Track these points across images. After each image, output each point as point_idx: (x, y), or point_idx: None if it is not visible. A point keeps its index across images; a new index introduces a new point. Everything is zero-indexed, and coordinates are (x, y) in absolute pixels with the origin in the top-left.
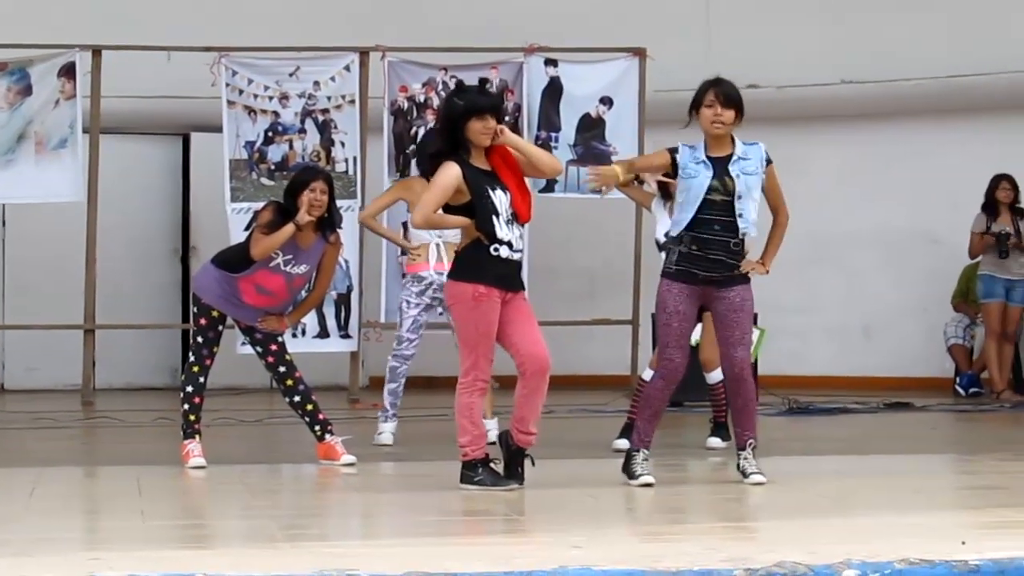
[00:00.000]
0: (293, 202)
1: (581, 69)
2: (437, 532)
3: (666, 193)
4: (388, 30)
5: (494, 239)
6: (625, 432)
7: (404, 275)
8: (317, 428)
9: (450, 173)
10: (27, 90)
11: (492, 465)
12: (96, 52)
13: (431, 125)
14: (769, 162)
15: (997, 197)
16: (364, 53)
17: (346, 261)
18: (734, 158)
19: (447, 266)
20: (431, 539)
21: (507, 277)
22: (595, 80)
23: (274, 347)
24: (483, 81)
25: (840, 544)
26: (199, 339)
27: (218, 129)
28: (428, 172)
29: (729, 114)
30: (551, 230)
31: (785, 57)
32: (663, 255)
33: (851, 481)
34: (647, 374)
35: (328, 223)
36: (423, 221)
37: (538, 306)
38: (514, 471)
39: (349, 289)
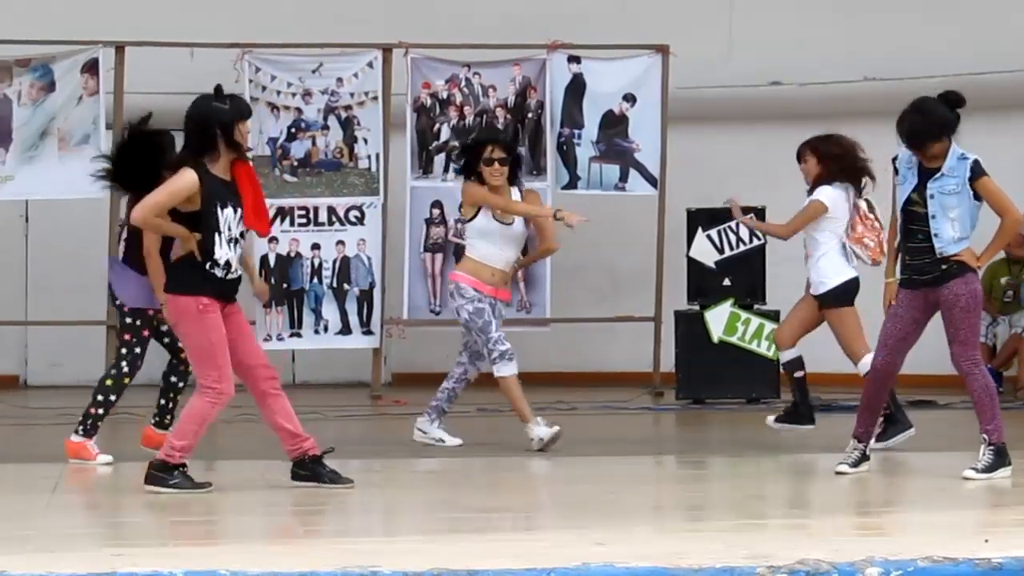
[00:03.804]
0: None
1: (604, 66)
2: (459, 529)
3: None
4: (411, 27)
5: (210, 258)
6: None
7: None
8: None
9: (185, 179)
10: (50, 86)
11: (185, 470)
12: (119, 48)
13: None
14: (977, 177)
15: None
16: (387, 50)
17: (368, 258)
18: (938, 174)
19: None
20: (453, 536)
21: (226, 292)
22: (618, 77)
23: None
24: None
25: (863, 542)
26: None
27: None
28: (464, 171)
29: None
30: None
31: (807, 54)
32: None
33: (873, 479)
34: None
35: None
36: (142, 220)
37: (560, 303)
38: (330, 476)
39: (372, 286)
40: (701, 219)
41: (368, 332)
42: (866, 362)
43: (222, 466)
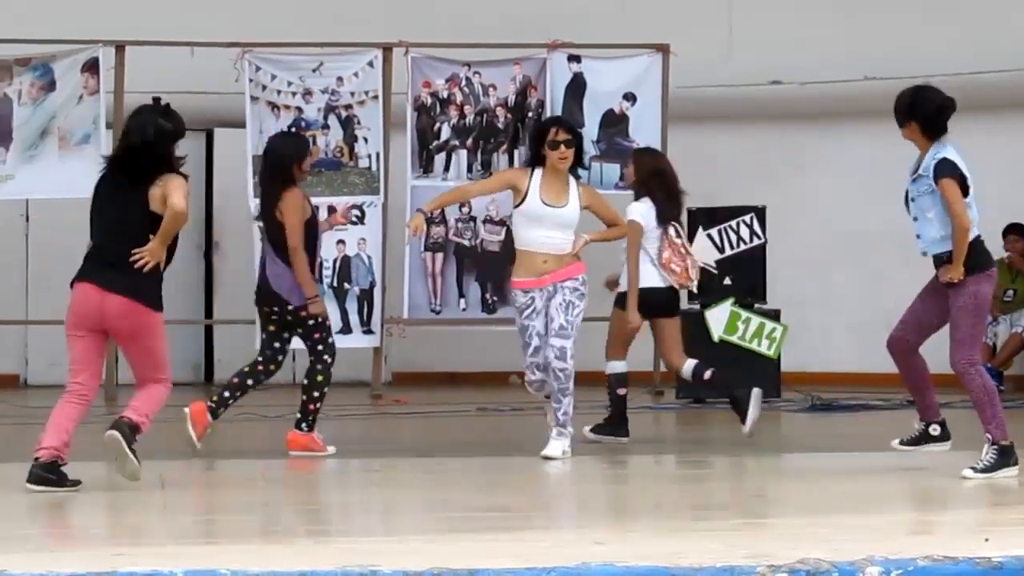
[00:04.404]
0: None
1: (604, 65)
2: (459, 528)
3: None
4: (411, 26)
5: None
6: None
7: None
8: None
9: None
10: (50, 85)
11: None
12: (120, 47)
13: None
14: (938, 176)
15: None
16: (387, 49)
17: (369, 257)
18: (916, 176)
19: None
20: (453, 535)
21: None
22: (618, 76)
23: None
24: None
25: (863, 541)
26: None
27: (241, 125)
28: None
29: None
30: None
31: (808, 54)
32: None
33: (874, 478)
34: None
35: None
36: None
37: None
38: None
39: (372, 285)
40: (701, 218)
41: (368, 331)
42: (614, 366)
43: (222, 465)
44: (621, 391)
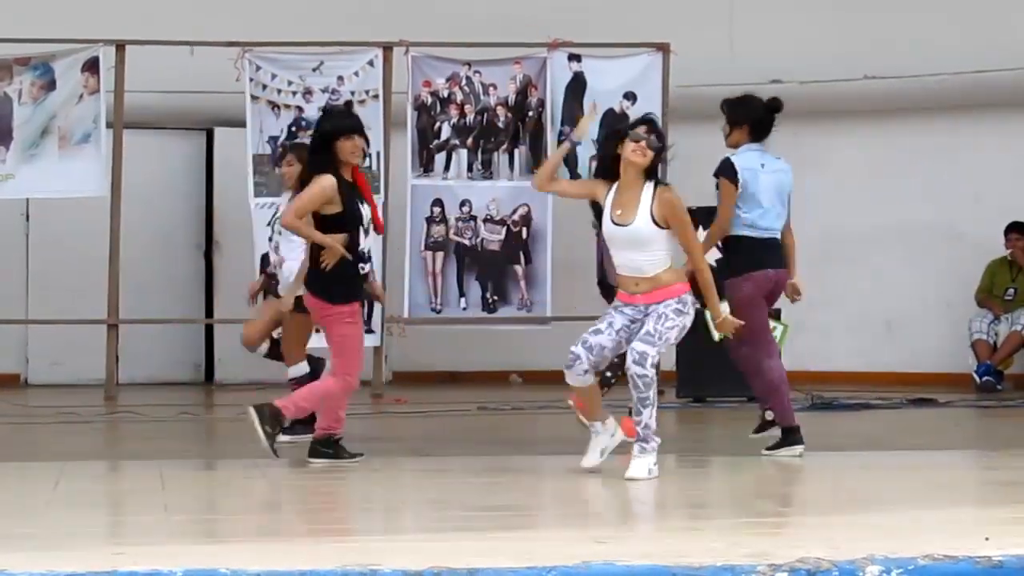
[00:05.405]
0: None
1: (604, 64)
2: (460, 527)
3: None
4: (411, 25)
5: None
6: None
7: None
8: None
9: (325, 182)
10: (51, 85)
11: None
12: (120, 47)
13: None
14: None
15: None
16: (388, 48)
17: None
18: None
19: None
20: (454, 534)
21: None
22: (619, 75)
23: None
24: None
25: (863, 540)
26: None
27: (242, 124)
28: (598, 172)
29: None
30: (574, 226)
31: (808, 52)
32: None
33: (874, 477)
34: None
35: None
36: (289, 223)
37: (561, 301)
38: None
39: None
40: (702, 218)
41: (369, 330)
42: (296, 369)
43: (223, 464)
44: None
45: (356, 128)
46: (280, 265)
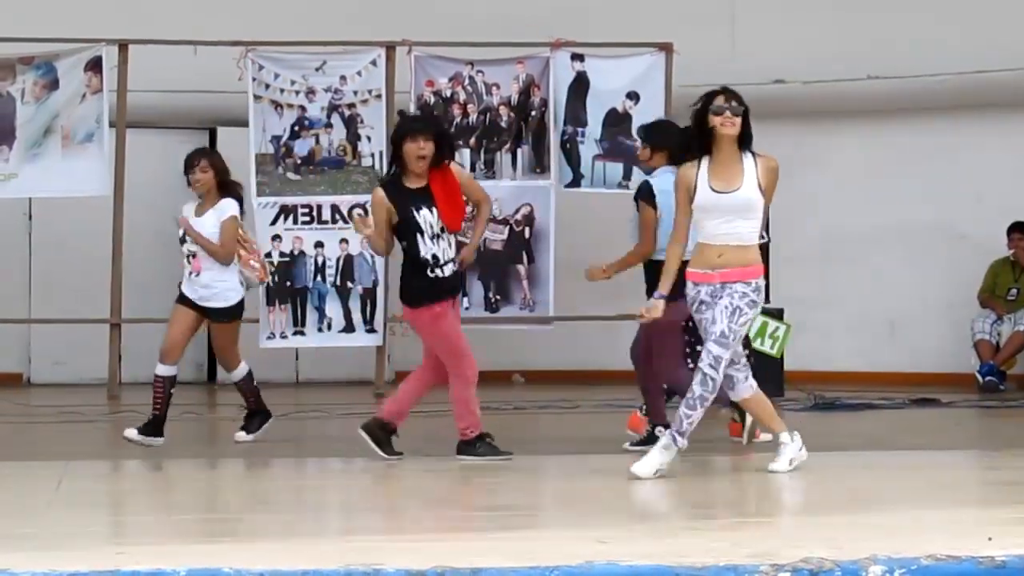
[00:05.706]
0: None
1: (607, 64)
2: (462, 527)
3: None
4: (414, 24)
5: (418, 257)
6: None
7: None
8: None
9: (373, 198)
10: (53, 84)
11: (491, 440)
12: (123, 46)
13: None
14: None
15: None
16: (390, 48)
17: (372, 256)
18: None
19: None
20: (456, 534)
21: (450, 288)
22: (621, 75)
23: None
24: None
25: (866, 540)
26: None
27: (244, 123)
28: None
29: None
30: (576, 225)
31: (811, 52)
32: None
33: (877, 477)
34: None
35: None
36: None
37: (565, 301)
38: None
39: (375, 284)
40: None
41: (371, 330)
42: (240, 371)
43: (225, 463)
44: None
45: (419, 129)
46: (197, 273)
